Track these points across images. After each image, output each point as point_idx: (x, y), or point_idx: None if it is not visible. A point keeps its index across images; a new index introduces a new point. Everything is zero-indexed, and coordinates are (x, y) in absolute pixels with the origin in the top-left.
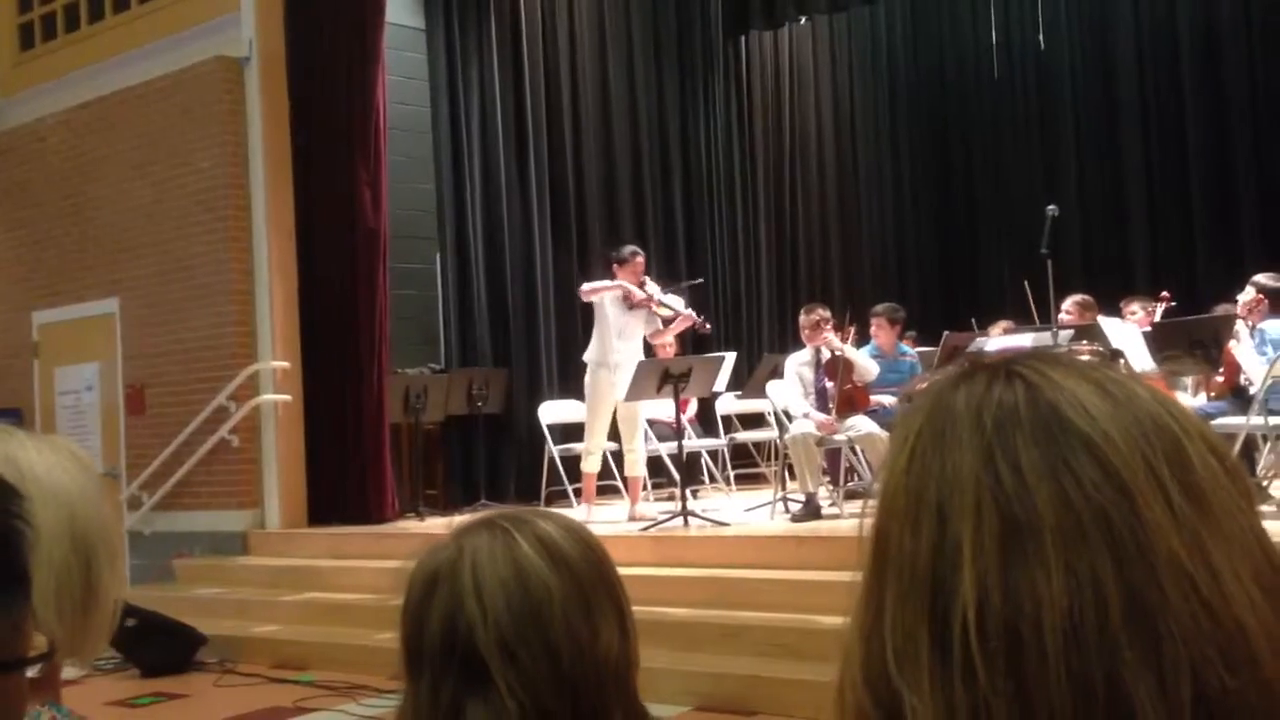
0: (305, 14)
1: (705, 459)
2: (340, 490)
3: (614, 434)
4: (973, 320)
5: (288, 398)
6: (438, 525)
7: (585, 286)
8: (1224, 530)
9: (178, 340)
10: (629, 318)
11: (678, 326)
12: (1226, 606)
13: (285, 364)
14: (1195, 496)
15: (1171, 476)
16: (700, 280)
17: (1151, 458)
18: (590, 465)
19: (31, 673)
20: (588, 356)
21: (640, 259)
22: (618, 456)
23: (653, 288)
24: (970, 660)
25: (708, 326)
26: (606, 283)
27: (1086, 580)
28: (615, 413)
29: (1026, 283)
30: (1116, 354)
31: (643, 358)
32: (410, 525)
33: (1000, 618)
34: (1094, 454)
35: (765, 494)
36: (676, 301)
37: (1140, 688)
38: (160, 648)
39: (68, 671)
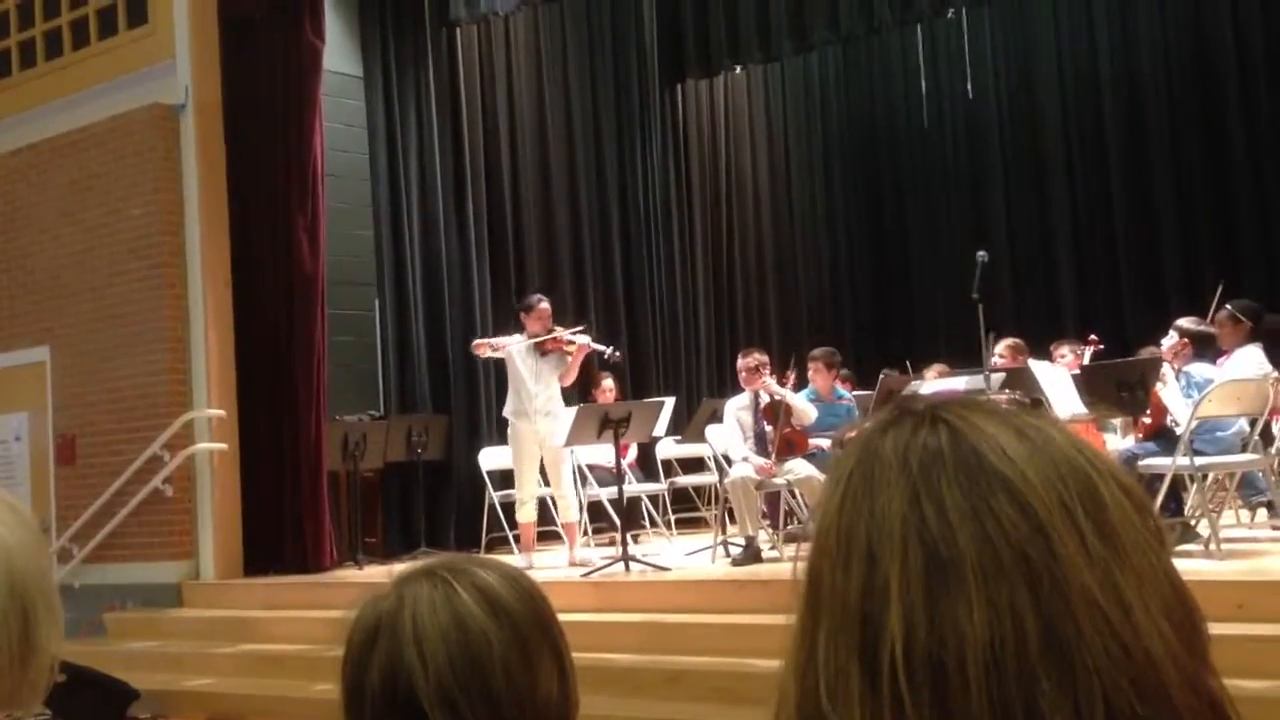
0: (242, 62)
1: (645, 503)
2: (277, 539)
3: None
4: (907, 363)
5: (223, 446)
6: (377, 574)
7: (474, 343)
8: (1135, 566)
9: (110, 389)
10: (542, 364)
11: (578, 360)
12: (1137, 638)
13: (221, 412)
14: (1108, 534)
15: (1085, 515)
16: (582, 327)
17: (1066, 498)
18: (525, 515)
19: None
20: (506, 410)
21: (545, 305)
22: (554, 503)
23: (561, 332)
24: (898, 693)
25: (618, 355)
26: (491, 340)
27: (1006, 614)
28: (542, 460)
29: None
30: (1036, 401)
31: (560, 402)
32: (349, 574)
33: (926, 651)
34: (1012, 495)
35: (706, 538)
36: (582, 338)
37: (1057, 716)
38: (91, 704)
39: None
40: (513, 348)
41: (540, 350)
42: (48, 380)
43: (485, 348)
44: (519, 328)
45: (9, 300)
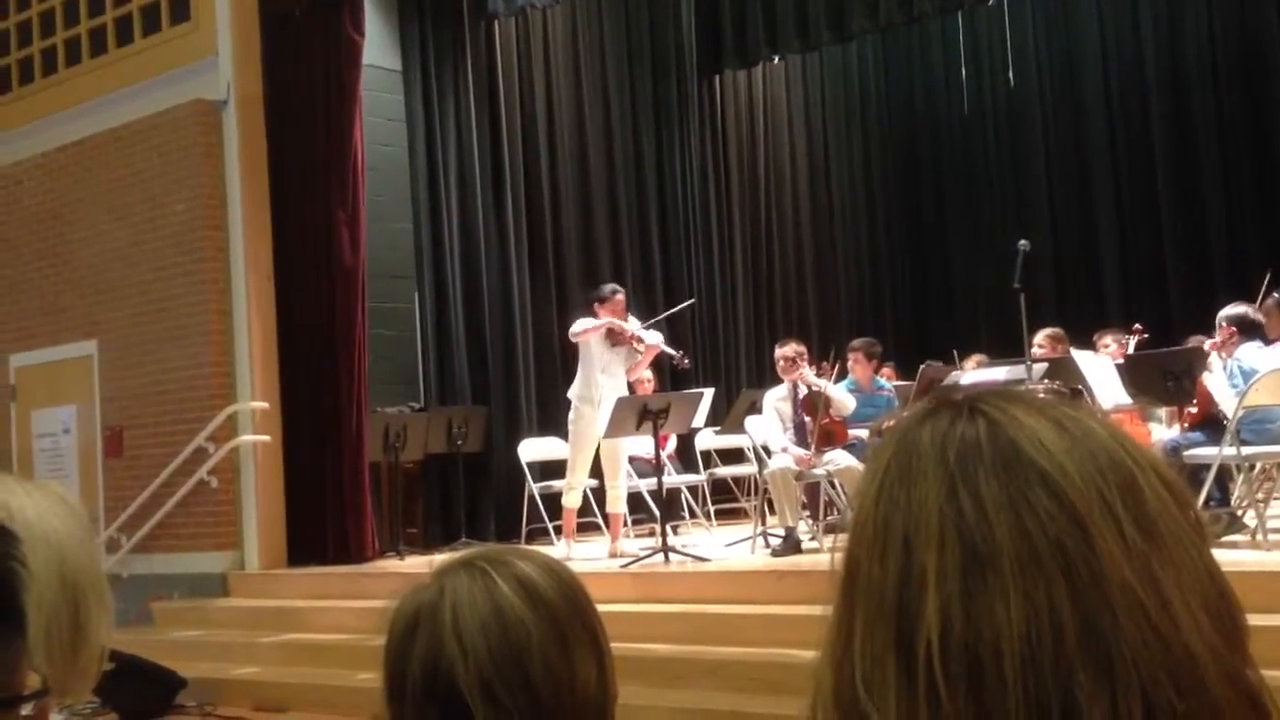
0: (283, 57)
1: (685, 495)
2: (320, 530)
3: (596, 470)
4: (954, 352)
5: (267, 438)
6: (418, 564)
7: (575, 328)
8: (1174, 559)
9: (156, 382)
10: (612, 354)
11: (648, 357)
12: (1176, 632)
13: (264, 404)
14: (1147, 527)
15: (1124, 508)
16: (692, 300)
17: (1105, 491)
18: (571, 501)
19: (26, 710)
20: (572, 393)
21: (620, 296)
22: (599, 493)
23: (634, 324)
24: (934, 684)
25: (686, 362)
26: (594, 321)
27: (1043, 607)
28: (599, 449)
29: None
30: (1076, 392)
31: (626, 392)
32: (390, 565)
33: (962, 643)
34: (1050, 487)
35: (745, 529)
36: (655, 336)
37: (1094, 710)
38: (139, 691)
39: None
40: (594, 334)
41: (613, 341)
42: (95, 374)
43: (582, 335)
44: (591, 317)
45: (57, 295)
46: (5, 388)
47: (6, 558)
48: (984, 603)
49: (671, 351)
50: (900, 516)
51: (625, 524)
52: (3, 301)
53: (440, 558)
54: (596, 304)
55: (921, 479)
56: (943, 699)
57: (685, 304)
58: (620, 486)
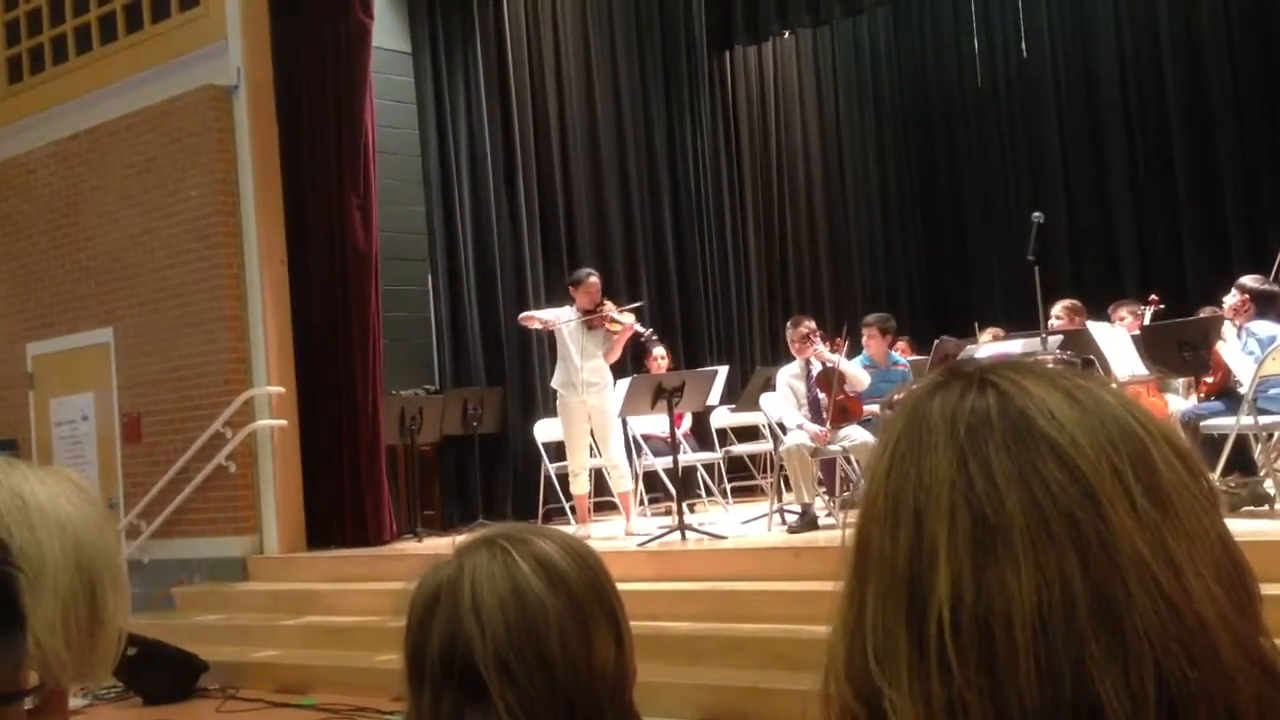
0: (293, 41)
1: (701, 473)
2: (338, 513)
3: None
4: (975, 324)
5: (283, 423)
6: (436, 546)
7: (521, 315)
8: (1186, 529)
9: (172, 368)
10: (587, 338)
11: (622, 339)
12: (1188, 602)
13: (280, 389)
14: (1159, 498)
15: (1136, 479)
16: (640, 304)
17: (1117, 461)
18: (578, 487)
19: (28, 704)
20: (554, 383)
21: (594, 280)
22: (608, 473)
23: (609, 307)
24: (945, 656)
25: (655, 339)
26: (535, 313)
27: (1054, 579)
28: (592, 432)
29: None
30: (1087, 362)
31: (608, 374)
32: (408, 547)
33: (973, 615)
34: (1061, 459)
35: (762, 506)
36: (628, 318)
37: (1106, 680)
38: (162, 676)
39: (71, 701)
40: (560, 322)
41: (587, 325)
42: (112, 361)
43: (534, 320)
44: (569, 301)
45: (73, 283)
46: (23, 376)
47: (3, 564)
48: (995, 575)
49: (641, 329)
50: (911, 489)
51: (642, 502)
52: (19, 290)
53: (461, 537)
54: (571, 287)
55: (932, 452)
56: (954, 671)
57: (634, 305)
58: (621, 465)
